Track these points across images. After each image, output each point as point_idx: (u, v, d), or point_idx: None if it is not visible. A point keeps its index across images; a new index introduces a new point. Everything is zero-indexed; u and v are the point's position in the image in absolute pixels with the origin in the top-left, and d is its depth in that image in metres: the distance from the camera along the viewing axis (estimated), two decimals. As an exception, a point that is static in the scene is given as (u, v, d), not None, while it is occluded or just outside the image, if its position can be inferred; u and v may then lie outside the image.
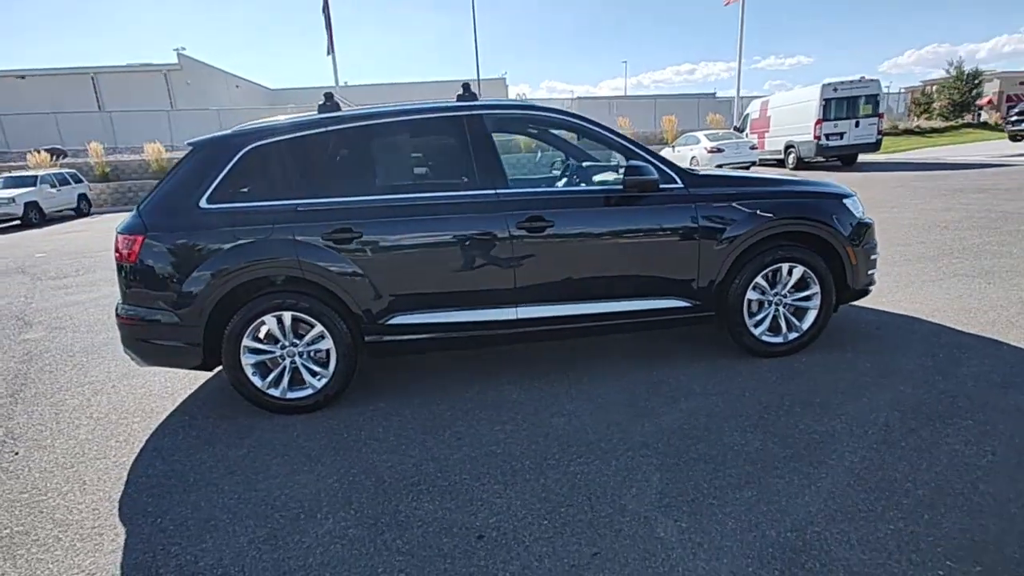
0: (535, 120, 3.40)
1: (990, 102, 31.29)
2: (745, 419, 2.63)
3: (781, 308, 3.30)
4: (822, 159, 16.66)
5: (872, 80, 16.03)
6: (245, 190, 2.91)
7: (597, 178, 3.62)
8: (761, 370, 3.16)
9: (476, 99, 3.13)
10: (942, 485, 2.06)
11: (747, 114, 20.10)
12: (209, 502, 2.28)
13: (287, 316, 2.89)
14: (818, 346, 3.36)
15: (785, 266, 3.20)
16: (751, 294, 3.22)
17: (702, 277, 3.14)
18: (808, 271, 3.21)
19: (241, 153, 2.88)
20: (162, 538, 2.08)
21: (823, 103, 15.68)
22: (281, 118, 3.06)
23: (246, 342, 2.89)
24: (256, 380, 2.94)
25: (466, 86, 3.22)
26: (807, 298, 3.28)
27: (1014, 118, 20.65)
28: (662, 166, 3.08)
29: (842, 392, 2.84)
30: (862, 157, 17.34)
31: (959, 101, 28.68)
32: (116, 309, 3.00)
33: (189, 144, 3.00)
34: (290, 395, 2.98)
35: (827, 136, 15.87)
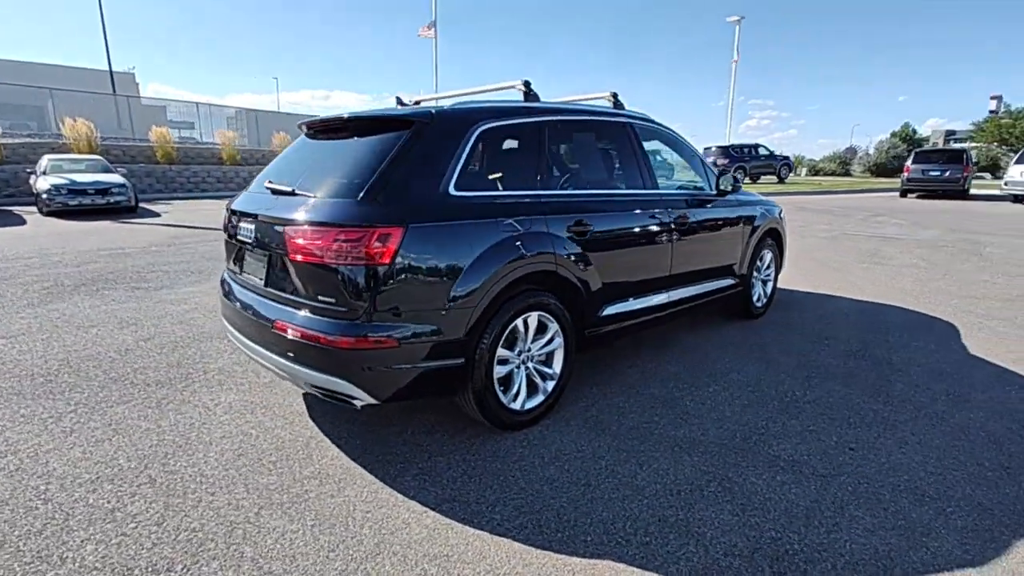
0: (655, 133, 3.84)
1: None
2: (817, 351, 3.84)
3: (759, 282, 4.70)
4: None
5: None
6: (487, 177, 2.54)
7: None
8: (766, 326, 4.46)
9: (624, 108, 3.47)
10: (938, 364, 3.68)
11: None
12: (658, 503, 2.10)
13: (533, 317, 2.65)
14: (768, 312, 4.89)
15: (766, 251, 4.62)
16: (755, 273, 4.51)
17: (742, 262, 4.25)
18: (774, 255, 4.72)
19: (476, 133, 2.51)
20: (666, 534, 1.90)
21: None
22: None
23: (499, 351, 2.52)
24: (500, 395, 2.57)
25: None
26: (770, 274, 4.78)
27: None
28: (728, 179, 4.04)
29: (826, 328, 4.37)
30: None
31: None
32: (326, 331, 2.14)
33: (397, 115, 2.40)
34: (527, 405, 2.71)
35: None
